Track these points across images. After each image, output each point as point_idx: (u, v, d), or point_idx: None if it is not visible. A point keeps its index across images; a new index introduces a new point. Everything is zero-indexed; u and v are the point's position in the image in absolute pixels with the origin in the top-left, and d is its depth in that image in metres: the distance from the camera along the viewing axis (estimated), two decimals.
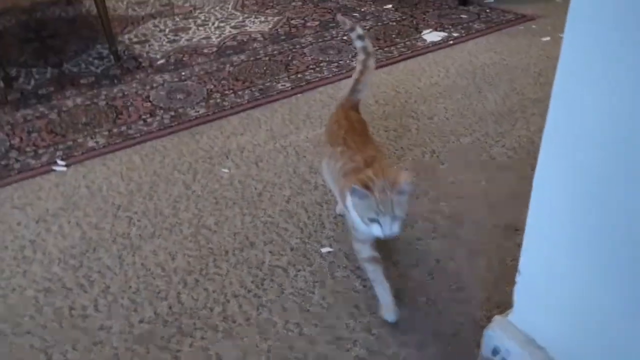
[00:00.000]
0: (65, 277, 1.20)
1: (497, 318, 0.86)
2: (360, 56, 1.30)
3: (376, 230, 0.97)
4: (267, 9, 2.82)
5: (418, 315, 1.07)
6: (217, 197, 1.43)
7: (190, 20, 2.69)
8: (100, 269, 1.22)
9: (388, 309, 1.04)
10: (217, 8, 2.86)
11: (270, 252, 1.23)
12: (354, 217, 1.01)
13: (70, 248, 1.28)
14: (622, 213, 0.62)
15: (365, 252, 1.08)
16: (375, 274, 1.06)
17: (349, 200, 1.00)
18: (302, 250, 1.23)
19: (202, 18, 2.72)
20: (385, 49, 2.25)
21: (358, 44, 1.30)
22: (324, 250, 1.22)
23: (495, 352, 0.84)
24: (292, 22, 2.60)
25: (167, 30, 2.58)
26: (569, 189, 0.68)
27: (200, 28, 2.59)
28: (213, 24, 2.64)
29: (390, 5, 2.75)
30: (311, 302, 1.09)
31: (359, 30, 1.29)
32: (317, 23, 2.57)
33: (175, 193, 1.46)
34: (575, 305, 0.73)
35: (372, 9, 2.73)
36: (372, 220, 0.96)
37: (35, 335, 1.06)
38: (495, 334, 0.84)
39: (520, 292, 0.81)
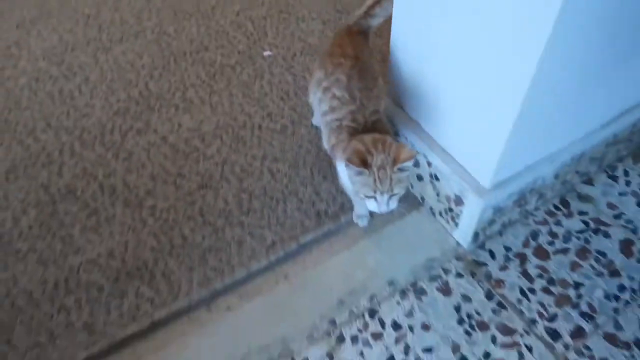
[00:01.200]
0: (50, 70, 1.45)
1: None
2: None
3: (371, 206, 0.90)
4: None
5: None
6: (176, 10, 1.63)
7: None
8: (80, 64, 1.47)
9: (361, 217, 1.08)
10: None
11: (221, 54, 1.50)
12: (343, 175, 0.96)
13: (51, 48, 1.52)
14: None
15: (349, 192, 1.04)
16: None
17: (340, 159, 0.94)
18: (248, 53, 1.50)
19: None
20: None
21: None
22: (266, 53, 1.49)
23: None
24: None
25: None
26: None
27: None
28: None
29: None
30: (252, 90, 1.39)
31: None
32: None
33: (138, 6, 1.65)
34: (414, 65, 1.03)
35: None
36: (368, 197, 0.89)
37: (34, 110, 1.35)
38: None
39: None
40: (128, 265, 1.06)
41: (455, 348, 0.94)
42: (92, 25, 1.59)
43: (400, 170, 0.86)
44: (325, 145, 1.04)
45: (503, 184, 0.97)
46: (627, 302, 0.99)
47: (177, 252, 1.07)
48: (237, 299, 1.02)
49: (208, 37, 1.55)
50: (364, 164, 0.85)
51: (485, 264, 1.05)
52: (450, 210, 1.05)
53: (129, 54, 1.50)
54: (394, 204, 0.89)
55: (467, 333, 0.96)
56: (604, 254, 1.05)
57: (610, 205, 1.13)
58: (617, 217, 1.11)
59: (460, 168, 0.99)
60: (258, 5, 1.65)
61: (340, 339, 0.96)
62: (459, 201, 1.01)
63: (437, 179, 1.04)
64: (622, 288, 1.00)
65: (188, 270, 1.05)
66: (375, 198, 0.88)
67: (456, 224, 1.05)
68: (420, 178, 1.10)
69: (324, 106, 1.00)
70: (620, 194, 1.14)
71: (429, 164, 1.04)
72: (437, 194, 1.06)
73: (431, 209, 1.11)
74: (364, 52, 1.03)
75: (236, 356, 0.94)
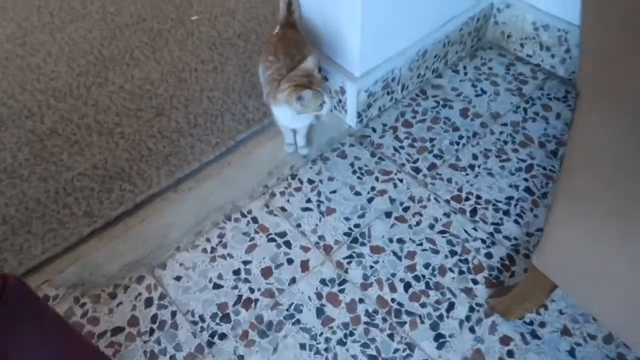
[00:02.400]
0: (16, 50, 1.77)
1: None
2: None
3: (325, 109, 1.23)
4: None
5: None
6: None
7: None
8: (40, 43, 1.79)
9: (289, 145, 1.43)
10: None
11: (157, 22, 1.86)
12: (277, 115, 1.32)
13: (13, 34, 1.83)
14: None
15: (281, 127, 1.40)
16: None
17: (273, 103, 1.29)
18: (179, 19, 1.87)
19: None
20: None
21: None
22: (193, 17, 1.87)
23: None
24: None
25: None
26: None
27: None
28: None
29: None
30: (186, 45, 1.77)
31: None
32: None
33: None
34: None
35: None
36: (321, 105, 1.22)
37: (9, 80, 1.67)
38: None
39: None
40: (110, 172, 1.42)
41: (352, 188, 1.36)
42: (44, 13, 1.91)
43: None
44: (264, 95, 1.37)
45: (369, 72, 1.40)
46: (463, 145, 1.44)
47: (145, 159, 1.44)
48: (195, 183, 1.40)
49: (144, 11, 1.90)
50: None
51: (369, 136, 1.48)
52: (340, 101, 1.47)
53: (81, 31, 1.84)
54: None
55: (359, 178, 1.38)
56: (449, 119, 1.51)
57: (454, 89, 1.59)
58: (458, 95, 1.57)
59: (339, 67, 1.41)
60: None
61: (272, 195, 1.36)
62: (342, 91, 1.43)
63: (326, 79, 1.46)
64: (460, 137, 1.46)
65: (156, 169, 1.42)
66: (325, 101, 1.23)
67: (345, 111, 1.48)
68: None
69: (263, 68, 1.36)
70: (461, 81, 1.61)
71: (320, 69, 1.46)
72: (329, 92, 1.48)
73: None
74: (289, 33, 1.37)
75: (200, 216, 1.33)
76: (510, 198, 1.33)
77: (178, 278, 1.22)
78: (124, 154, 1.46)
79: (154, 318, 1.16)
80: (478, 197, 1.33)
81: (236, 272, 1.22)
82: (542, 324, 1.11)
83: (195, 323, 1.15)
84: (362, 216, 1.31)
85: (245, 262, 1.24)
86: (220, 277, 1.22)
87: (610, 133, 0.70)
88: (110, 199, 1.36)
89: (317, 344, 1.11)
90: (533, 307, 1.06)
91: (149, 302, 1.18)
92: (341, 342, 1.11)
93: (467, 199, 1.33)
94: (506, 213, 1.30)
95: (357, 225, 1.29)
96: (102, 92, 1.62)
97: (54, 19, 1.88)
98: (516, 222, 1.28)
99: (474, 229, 1.27)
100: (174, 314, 1.16)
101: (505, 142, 1.45)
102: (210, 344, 1.12)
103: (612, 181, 0.72)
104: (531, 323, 1.11)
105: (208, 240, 1.28)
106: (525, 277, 1.02)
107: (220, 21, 1.84)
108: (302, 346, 1.11)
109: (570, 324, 1.11)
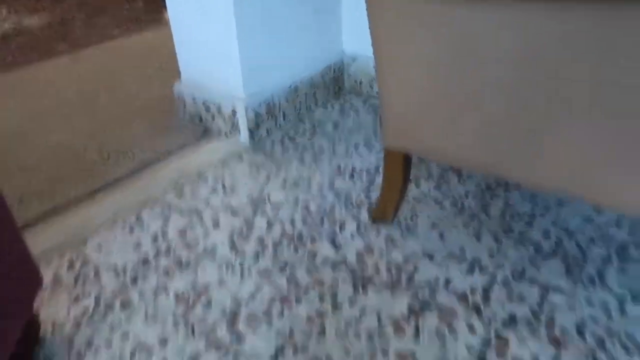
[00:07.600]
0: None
1: None
2: None
3: None
4: (37, 11, 3.61)
5: None
6: None
7: None
8: None
9: None
10: None
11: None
12: None
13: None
14: None
15: None
16: None
17: None
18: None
19: None
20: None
21: None
22: None
23: None
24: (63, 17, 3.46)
25: None
26: None
27: None
28: None
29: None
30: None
31: None
32: (83, 16, 3.47)
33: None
34: None
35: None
36: None
37: None
38: None
39: None
40: (26, 194, 1.55)
41: (261, 185, 1.62)
42: None
43: None
44: None
45: (252, 95, 1.78)
46: (339, 140, 1.80)
47: (63, 180, 1.60)
48: (110, 192, 1.57)
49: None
50: None
51: (262, 148, 1.80)
52: (233, 124, 1.80)
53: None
54: None
55: (267, 179, 1.66)
56: (324, 130, 1.89)
57: (325, 116, 2.00)
58: (329, 119, 1.98)
59: (229, 95, 1.78)
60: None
61: (181, 188, 1.57)
62: (234, 113, 1.78)
63: (219, 111, 1.81)
64: (338, 138, 1.83)
65: (74, 184, 1.58)
66: None
67: (239, 131, 1.80)
68: (213, 117, 1.85)
69: None
70: (330, 112, 2.04)
71: (211, 105, 1.81)
72: (223, 119, 1.82)
73: (225, 133, 1.85)
74: None
75: (117, 208, 1.48)
76: (377, 167, 1.67)
77: (99, 247, 1.33)
78: (43, 183, 1.61)
79: (76, 277, 1.23)
80: (353, 167, 1.65)
81: (154, 238, 1.36)
82: (416, 223, 1.37)
83: (117, 272, 1.24)
84: (261, 190, 1.56)
85: (162, 229, 1.39)
86: (139, 240, 1.35)
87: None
88: (29, 211, 1.48)
89: (232, 264, 1.25)
90: (398, 195, 1.32)
91: (71, 265, 1.26)
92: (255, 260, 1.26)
93: (345, 170, 1.65)
94: (377, 172, 1.62)
95: (259, 192, 1.53)
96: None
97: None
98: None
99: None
100: (96, 269, 1.25)
101: (371, 135, 1.84)
102: (134, 280, 1.21)
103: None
104: (407, 226, 1.37)
105: (124, 221, 1.43)
106: (383, 169, 1.31)
107: None
108: (220, 267, 1.24)
109: (436, 220, 1.38)
